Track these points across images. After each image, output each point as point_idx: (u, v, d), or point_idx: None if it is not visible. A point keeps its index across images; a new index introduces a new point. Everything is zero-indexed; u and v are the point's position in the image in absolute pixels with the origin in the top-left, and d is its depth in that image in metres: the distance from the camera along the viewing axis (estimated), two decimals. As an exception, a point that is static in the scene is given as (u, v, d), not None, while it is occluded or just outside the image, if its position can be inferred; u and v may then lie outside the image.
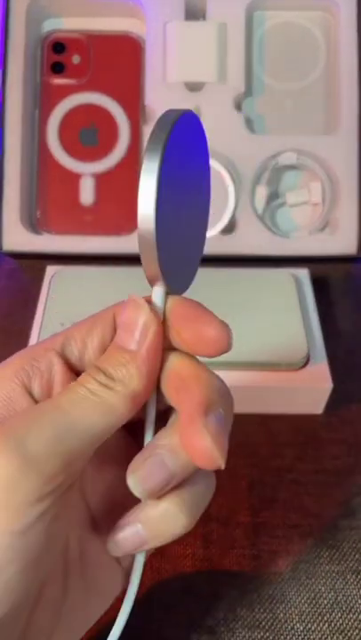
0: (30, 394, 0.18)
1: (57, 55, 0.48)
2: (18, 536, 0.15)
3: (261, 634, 0.29)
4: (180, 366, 0.18)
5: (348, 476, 0.35)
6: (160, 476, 0.17)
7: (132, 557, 0.21)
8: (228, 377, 0.36)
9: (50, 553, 0.17)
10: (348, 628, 0.29)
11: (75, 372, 0.19)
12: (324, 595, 0.30)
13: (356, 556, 0.32)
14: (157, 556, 0.31)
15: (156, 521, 0.19)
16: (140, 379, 0.17)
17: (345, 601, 0.30)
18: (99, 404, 0.17)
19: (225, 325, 0.18)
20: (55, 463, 0.16)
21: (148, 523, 0.19)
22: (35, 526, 0.16)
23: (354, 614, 0.29)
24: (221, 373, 0.38)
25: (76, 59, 0.48)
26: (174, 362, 0.18)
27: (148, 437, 0.19)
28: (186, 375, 0.18)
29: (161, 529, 0.18)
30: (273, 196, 0.48)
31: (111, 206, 0.48)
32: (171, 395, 0.18)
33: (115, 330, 0.19)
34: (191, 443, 0.17)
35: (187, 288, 0.20)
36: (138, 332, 0.17)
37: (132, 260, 0.47)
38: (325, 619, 0.29)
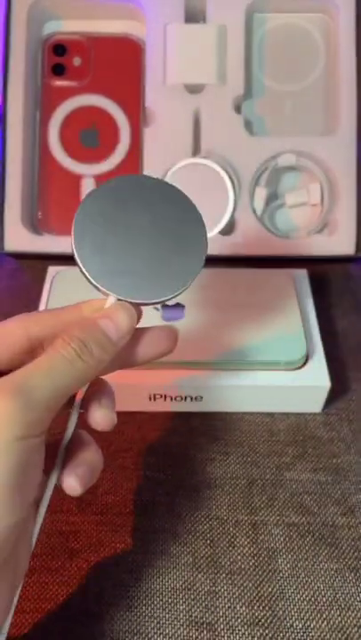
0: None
1: (58, 57, 0.48)
2: (19, 442, 0.19)
3: (261, 631, 0.29)
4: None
5: (346, 475, 0.35)
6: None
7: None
8: (228, 376, 0.36)
9: (29, 483, 0.21)
10: (346, 625, 0.29)
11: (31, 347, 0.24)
12: (322, 592, 0.30)
13: (355, 554, 0.32)
14: (158, 554, 0.31)
15: None
16: (108, 361, 0.23)
17: (343, 599, 0.30)
18: (74, 371, 0.21)
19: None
20: (46, 410, 0.20)
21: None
22: (25, 448, 0.20)
23: (352, 612, 0.30)
24: (222, 373, 0.38)
25: (76, 61, 0.48)
26: None
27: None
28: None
29: None
30: (272, 196, 0.48)
31: (112, 207, 0.48)
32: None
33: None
34: None
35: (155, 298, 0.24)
36: (123, 330, 0.23)
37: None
38: (324, 616, 0.30)
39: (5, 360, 0.23)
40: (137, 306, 0.24)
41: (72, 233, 0.24)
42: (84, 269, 0.24)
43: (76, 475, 0.23)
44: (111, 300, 0.24)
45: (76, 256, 0.24)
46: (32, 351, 0.24)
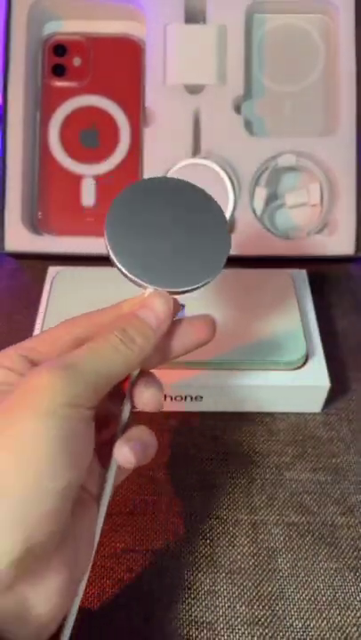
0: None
1: (58, 58, 0.48)
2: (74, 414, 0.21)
3: (260, 630, 0.29)
4: None
5: (346, 474, 0.35)
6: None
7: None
8: (228, 376, 0.36)
9: (77, 452, 0.21)
10: (346, 625, 0.29)
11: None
12: (322, 592, 0.30)
13: (355, 553, 0.32)
14: (157, 554, 0.31)
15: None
16: (152, 348, 0.24)
17: (343, 598, 0.30)
18: (118, 356, 0.23)
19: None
20: (93, 388, 0.22)
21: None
22: (79, 419, 0.21)
23: (352, 611, 0.30)
24: (221, 373, 0.38)
25: (76, 61, 0.48)
26: None
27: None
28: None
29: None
30: (272, 197, 0.48)
31: (112, 207, 0.48)
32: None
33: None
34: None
35: (188, 285, 0.26)
36: (160, 317, 0.25)
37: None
38: (324, 616, 0.30)
39: None
40: (171, 295, 0.26)
41: (105, 232, 0.26)
42: (119, 265, 0.25)
43: (129, 446, 0.24)
44: (148, 292, 0.26)
45: (111, 253, 0.26)
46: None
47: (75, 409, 0.21)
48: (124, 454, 0.24)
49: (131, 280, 0.26)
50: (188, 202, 0.27)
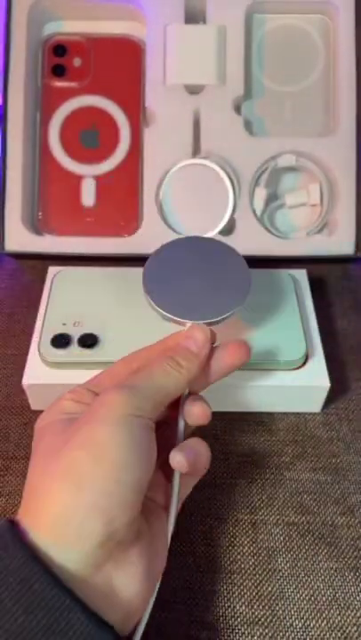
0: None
1: (58, 58, 0.48)
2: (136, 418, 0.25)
3: (260, 630, 0.29)
4: None
5: (346, 474, 0.35)
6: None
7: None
8: (228, 376, 0.36)
9: (143, 453, 0.25)
10: (346, 624, 0.29)
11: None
12: (322, 592, 0.30)
13: (354, 553, 0.32)
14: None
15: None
16: (197, 370, 0.29)
17: (343, 598, 0.30)
18: (174, 379, 0.28)
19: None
20: (152, 403, 0.27)
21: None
22: (139, 426, 0.25)
23: (352, 611, 0.30)
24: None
25: (76, 61, 0.48)
26: None
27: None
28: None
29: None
30: (272, 197, 0.48)
31: (112, 208, 0.48)
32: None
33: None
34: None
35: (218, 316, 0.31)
36: (200, 344, 0.29)
37: (132, 260, 0.47)
38: (324, 615, 0.30)
39: None
40: (207, 325, 0.31)
41: (144, 288, 0.32)
42: (162, 311, 0.31)
43: (182, 453, 0.27)
44: (187, 326, 0.31)
45: (154, 305, 0.31)
46: None
47: (138, 418, 0.25)
48: (178, 460, 0.27)
49: (172, 320, 0.31)
50: (209, 251, 0.34)
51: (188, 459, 0.27)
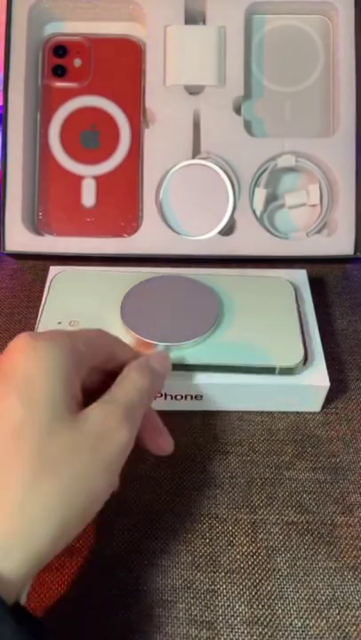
0: None
1: (58, 58, 0.48)
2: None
3: (260, 630, 0.29)
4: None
5: (345, 474, 0.35)
6: None
7: None
8: (228, 376, 0.37)
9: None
10: (345, 624, 0.29)
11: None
12: (321, 591, 0.31)
13: (354, 552, 0.32)
14: (157, 553, 0.32)
15: None
16: (159, 388, 0.32)
17: (342, 597, 0.30)
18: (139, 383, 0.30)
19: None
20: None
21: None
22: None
23: (351, 611, 0.30)
24: (220, 373, 0.38)
25: (77, 62, 0.48)
26: None
27: None
28: None
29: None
30: (272, 197, 0.48)
31: (112, 208, 0.48)
32: None
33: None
34: None
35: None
36: (164, 363, 0.33)
37: (132, 260, 0.47)
38: (323, 615, 0.30)
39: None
40: (177, 346, 0.36)
41: (121, 316, 0.37)
42: (135, 334, 0.36)
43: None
44: (159, 347, 0.36)
45: (129, 328, 0.37)
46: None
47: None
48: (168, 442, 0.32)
49: (145, 343, 0.36)
50: (181, 287, 0.40)
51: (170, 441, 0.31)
